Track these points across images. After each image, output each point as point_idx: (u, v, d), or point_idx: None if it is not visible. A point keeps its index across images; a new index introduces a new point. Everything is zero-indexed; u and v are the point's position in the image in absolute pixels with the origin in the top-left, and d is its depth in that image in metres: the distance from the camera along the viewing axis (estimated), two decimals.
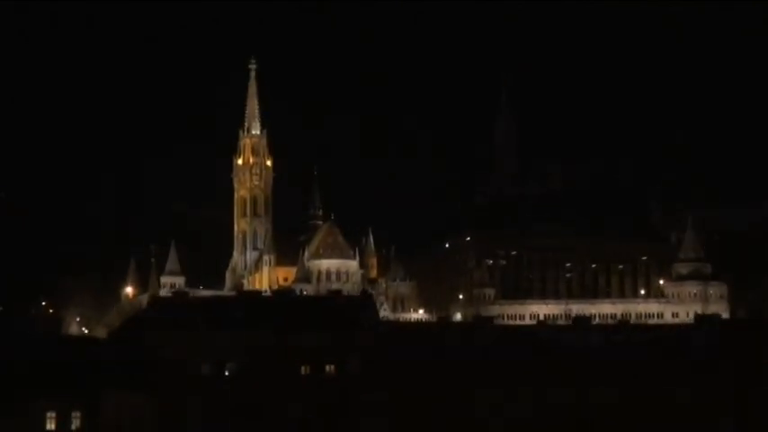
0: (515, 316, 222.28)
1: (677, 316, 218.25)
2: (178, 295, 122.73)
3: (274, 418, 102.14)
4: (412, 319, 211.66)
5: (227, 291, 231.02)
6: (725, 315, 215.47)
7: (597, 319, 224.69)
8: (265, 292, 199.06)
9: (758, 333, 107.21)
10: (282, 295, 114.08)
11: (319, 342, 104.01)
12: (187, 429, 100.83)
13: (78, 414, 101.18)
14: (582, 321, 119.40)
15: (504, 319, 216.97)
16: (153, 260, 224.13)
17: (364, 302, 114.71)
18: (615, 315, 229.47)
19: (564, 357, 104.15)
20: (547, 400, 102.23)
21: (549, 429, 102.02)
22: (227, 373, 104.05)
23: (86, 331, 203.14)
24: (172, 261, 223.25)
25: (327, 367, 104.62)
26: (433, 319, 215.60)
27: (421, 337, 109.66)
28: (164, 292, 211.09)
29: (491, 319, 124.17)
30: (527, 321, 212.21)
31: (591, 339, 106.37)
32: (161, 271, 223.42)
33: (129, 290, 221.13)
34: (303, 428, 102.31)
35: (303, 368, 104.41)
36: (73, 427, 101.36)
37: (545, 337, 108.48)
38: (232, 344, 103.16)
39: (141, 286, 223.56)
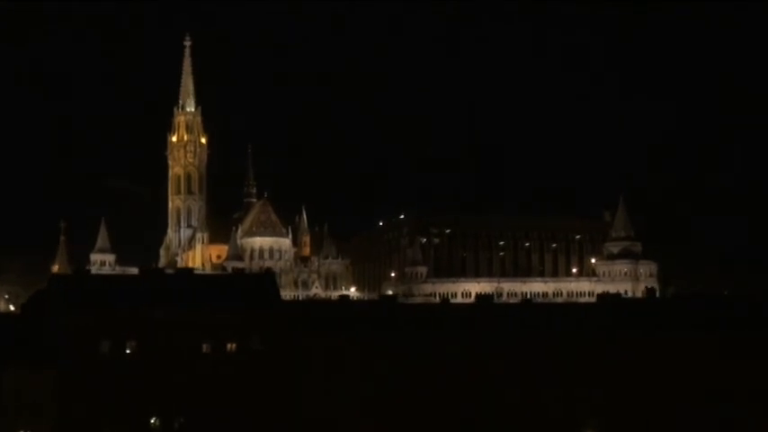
0: (447, 294, 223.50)
1: (654, 293, 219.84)
2: (78, 273, 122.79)
3: (175, 395, 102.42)
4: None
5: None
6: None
7: (529, 296, 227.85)
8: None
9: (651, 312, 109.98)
10: (185, 273, 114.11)
11: (221, 320, 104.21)
12: (87, 407, 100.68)
13: None
14: (485, 300, 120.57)
15: (436, 297, 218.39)
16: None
17: (266, 280, 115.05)
18: (546, 293, 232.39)
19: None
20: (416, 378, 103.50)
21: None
22: (127, 351, 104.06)
23: (12, 308, 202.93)
24: (102, 238, 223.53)
25: (229, 345, 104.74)
26: (365, 296, 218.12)
27: (323, 316, 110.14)
28: (94, 270, 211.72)
29: (394, 297, 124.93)
30: (459, 299, 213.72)
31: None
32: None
33: (57, 266, 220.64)
34: (204, 405, 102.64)
35: (204, 345, 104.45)
36: None
37: (440, 317, 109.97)
38: (132, 321, 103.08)
39: (71, 263, 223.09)
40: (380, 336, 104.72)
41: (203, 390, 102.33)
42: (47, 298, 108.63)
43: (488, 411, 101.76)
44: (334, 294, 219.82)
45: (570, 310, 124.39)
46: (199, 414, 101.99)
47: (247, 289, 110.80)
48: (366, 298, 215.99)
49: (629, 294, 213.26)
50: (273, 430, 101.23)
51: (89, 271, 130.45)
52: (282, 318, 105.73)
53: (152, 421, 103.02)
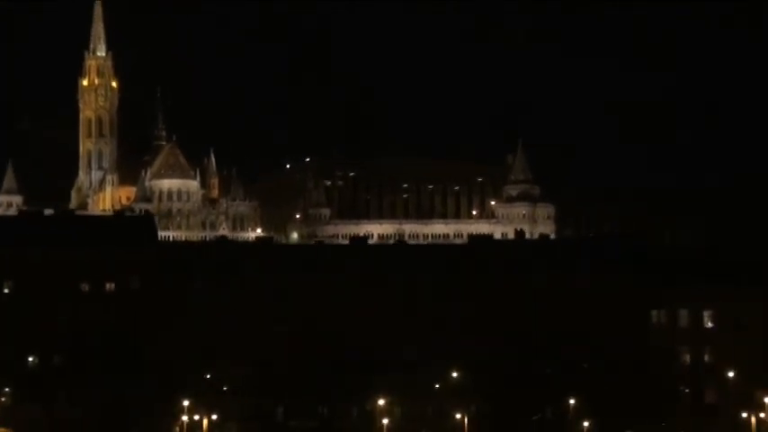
0: (349, 235, 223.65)
1: (506, 235, 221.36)
2: None
3: (54, 334, 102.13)
4: (249, 238, 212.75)
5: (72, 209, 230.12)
6: (552, 234, 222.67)
7: (430, 238, 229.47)
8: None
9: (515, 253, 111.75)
10: (66, 214, 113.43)
11: (100, 260, 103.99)
12: None
13: None
14: (359, 240, 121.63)
15: (339, 238, 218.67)
16: None
17: (146, 222, 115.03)
18: (448, 235, 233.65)
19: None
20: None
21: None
22: (5, 291, 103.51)
23: None
24: (9, 180, 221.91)
25: (107, 285, 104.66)
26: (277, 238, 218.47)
27: (200, 257, 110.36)
28: (0, 211, 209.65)
29: (271, 238, 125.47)
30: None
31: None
32: None
33: None
34: (83, 343, 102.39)
35: (83, 285, 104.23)
36: None
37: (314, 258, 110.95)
38: (10, 261, 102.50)
39: None
40: (254, 276, 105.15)
41: (82, 329, 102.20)
42: None
43: (354, 348, 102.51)
44: (242, 235, 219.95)
45: (440, 250, 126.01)
46: (78, 352, 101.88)
47: (127, 230, 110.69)
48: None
49: (528, 236, 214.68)
50: (150, 367, 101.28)
51: None
52: (160, 259, 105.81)
53: (30, 359, 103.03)
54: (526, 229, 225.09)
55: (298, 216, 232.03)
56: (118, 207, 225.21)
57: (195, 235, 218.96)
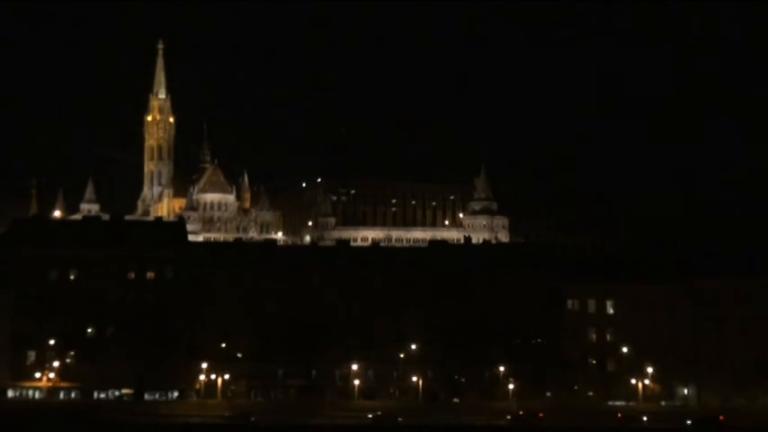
0: (350, 239, 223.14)
1: (470, 240, 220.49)
2: (36, 218, 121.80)
3: (106, 311, 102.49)
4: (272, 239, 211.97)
5: (138, 216, 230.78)
6: (505, 239, 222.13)
7: (412, 242, 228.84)
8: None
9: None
10: (117, 218, 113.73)
11: (142, 254, 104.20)
12: (37, 321, 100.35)
13: None
14: (343, 243, 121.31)
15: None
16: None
17: (178, 226, 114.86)
18: (425, 239, 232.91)
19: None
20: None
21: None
22: (71, 278, 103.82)
23: None
24: (89, 192, 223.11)
25: (148, 274, 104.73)
26: (289, 240, 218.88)
27: (221, 254, 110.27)
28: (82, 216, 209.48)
29: (275, 241, 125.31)
30: (359, 243, 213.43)
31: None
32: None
33: (57, 213, 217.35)
34: (129, 318, 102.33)
35: (129, 274, 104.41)
36: None
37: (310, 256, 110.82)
38: (75, 255, 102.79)
39: (68, 210, 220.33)
40: (261, 269, 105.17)
41: (128, 307, 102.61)
42: (6, 238, 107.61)
43: (337, 326, 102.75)
44: (267, 237, 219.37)
45: (407, 251, 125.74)
46: (125, 325, 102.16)
47: (164, 233, 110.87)
48: (290, 241, 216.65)
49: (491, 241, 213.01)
50: (179, 338, 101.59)
51: (45, 218, 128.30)
52: (189, 254, 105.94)
53: (89, 330, 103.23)
54: (486, 236, 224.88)
55: (310, 223, 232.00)
56: (173, 215, 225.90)
57: (231, 237, 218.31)
